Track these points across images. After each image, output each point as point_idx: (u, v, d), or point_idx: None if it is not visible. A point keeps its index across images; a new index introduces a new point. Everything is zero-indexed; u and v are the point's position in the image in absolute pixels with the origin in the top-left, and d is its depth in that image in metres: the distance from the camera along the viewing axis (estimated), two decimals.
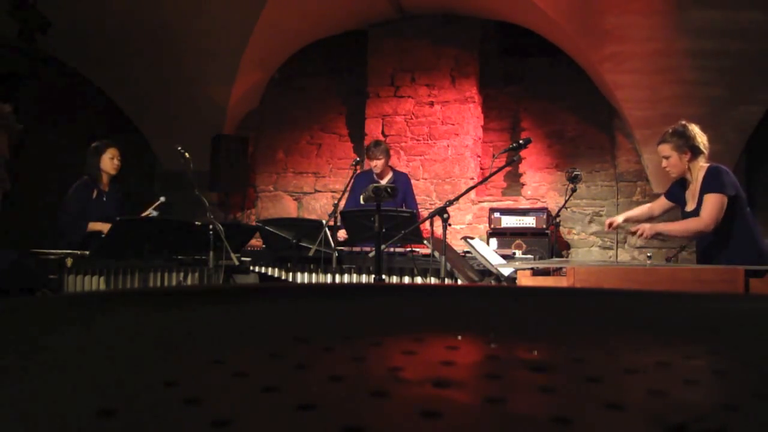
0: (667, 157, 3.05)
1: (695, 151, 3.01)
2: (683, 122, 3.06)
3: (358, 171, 4.72)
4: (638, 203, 5.65)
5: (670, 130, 3.06)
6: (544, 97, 5.94)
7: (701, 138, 3.02)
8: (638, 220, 3.22)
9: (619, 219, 3.20)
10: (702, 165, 3.02)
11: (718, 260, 2.95)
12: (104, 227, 3.92)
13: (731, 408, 0.27)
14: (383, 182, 4.70)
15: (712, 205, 2.89)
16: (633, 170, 5.69)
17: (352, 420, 0.25)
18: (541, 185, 5.91)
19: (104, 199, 4.16)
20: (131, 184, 5.72)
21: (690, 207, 3.07)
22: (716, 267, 2.75)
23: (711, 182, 2.94)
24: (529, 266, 2.98)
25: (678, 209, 3.18)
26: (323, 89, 6.59)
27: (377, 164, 4.64)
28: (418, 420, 0.24)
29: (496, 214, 5.37)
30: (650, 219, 3.24)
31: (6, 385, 0.31)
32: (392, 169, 4.91)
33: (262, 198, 6.69)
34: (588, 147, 5.84)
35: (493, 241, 5.26)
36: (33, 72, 5.67)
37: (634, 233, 3.03)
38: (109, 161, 4.16)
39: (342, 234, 4.08)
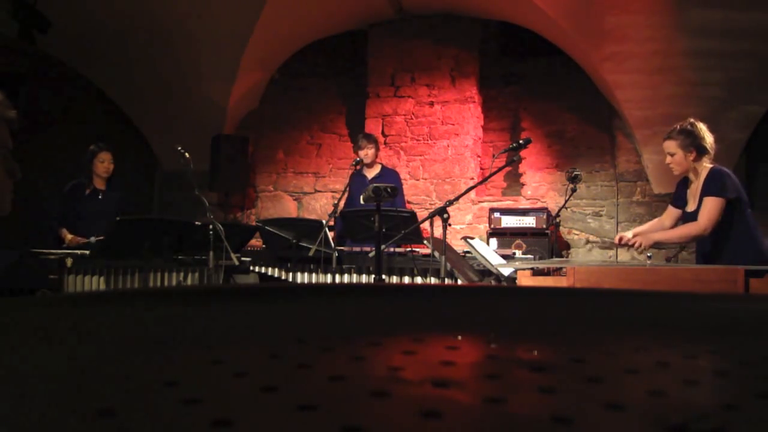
0: (672, 154, 3.01)
1: (701, 151, 2.96)
2: (691, 120, 3.01)
3: (357, 170, 4.74)
4: (638, 203, 5.66)
5: (678, 128, 3.01)
6: (544, 97, 5.94)
7: (708, 138, 2.97)
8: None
9: (628, 234, 3.03)
10: (706, 165, 2.98)
11: (719, 262, 2.93)
12: (68, 237, 4.03)
13: (731, 408, 0.27)
14: (370, 174, 4.75)
15: (710, 209, 2.87)
16: (633, 170, 5.69)
17: (352, 420, 0.25)
18: (541, 185, 5.91)
19: (100, 197, 4.26)
20: (131, 184, 5.73)
21: (691, 207, 3.03)
22: (716, 267, 2.74)
23: (711, 185, 2.91)
24: (529, 266, 2.98)
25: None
26: (323, 89, 6.59)
27: (368, 153, 4.69)
28: (418, 420, 0.24)
29: (496, 214, 5.37)
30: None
31: (6, 385, 0.31)
32: (382, 165, 4.97)
33: (262, 198, 6.69)
34: (588, 147, 5.84)
35: (493, 241, 5.26)
36: (33, 72, 5.67)
37: (631, 246, 2.93)
38: (100, 164, 4.38)
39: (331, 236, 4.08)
